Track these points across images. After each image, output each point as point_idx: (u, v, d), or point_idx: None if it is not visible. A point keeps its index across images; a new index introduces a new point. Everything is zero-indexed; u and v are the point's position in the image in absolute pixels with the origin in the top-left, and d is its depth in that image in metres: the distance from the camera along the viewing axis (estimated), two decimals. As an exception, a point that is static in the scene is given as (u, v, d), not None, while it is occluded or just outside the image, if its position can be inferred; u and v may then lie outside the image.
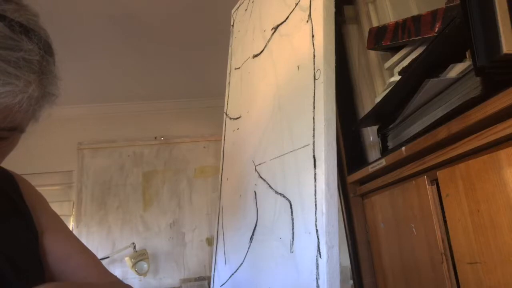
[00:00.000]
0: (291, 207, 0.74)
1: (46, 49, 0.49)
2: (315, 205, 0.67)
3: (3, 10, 0.45)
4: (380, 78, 1.20)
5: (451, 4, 0.88)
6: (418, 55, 0.93)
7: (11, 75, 0.43)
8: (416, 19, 0.95)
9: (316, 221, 0.66)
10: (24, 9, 0.48)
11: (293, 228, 0.72)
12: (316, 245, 0.64)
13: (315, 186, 0.68)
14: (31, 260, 0.61)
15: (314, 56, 0.75)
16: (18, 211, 0.63)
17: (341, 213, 1.30)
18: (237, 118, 1.09)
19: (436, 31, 0.89)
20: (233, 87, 1.18)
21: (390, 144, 1.04)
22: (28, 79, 0.45)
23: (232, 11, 1.31)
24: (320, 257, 0.63)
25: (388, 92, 0.98)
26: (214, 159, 2.87)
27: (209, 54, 2.27)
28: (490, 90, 0.64)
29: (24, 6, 0.49)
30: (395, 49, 1.06)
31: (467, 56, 0.74)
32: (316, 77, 0.73)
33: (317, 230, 0.65)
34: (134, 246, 2.52)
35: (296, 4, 0.87)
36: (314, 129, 0.71)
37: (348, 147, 1.32)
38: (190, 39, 2.14)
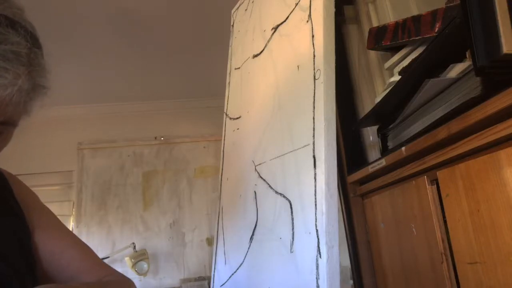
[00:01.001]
0: (291, 207, 0.74)
1: (33, 42, 0.49)
2: (315, 205, 0.67)
3: None
4: (380, 78, 1.20)
5: (451, 4, 0.88)
6: (418, 55, 0.93)
7: (0, 68, 0.43)
8: (416, 19, 0.95)
9: (316, 221, 0.66)
10: (8, 2, 0.48)
11: (293, 228, 0.72)
12: (316, 245, 0.64)
13: (315, 186, 0.68)
14: (24, 258, 0.60)
15: (314, 56, 0.75)
16: (9, 209, 0.62)
17: (341, 213, 1.30)
18: (237, 118, 1.09)
19: (436, 31, 0.89)
20: (233, 87, 1.18)
21: (390, 144, 1.04)
22: (17, 71, 0.45)
23: (232, 11, 1.31)
24: (320, 257, 0.63)
25: (388, 92, 0.98)
26: (214, 159, 2.87)
27: (209, 54, 2.27)
28: (490, 90, 0.64)
29: (8, 0, 0.49)
30: (395, 49, 1.06)
31: (467, 56, 0.74)
32: (316, 77, 0.73)
33: (317, 230, 0.65)
34: (134, 246, 2.51)
35: (296, 4, 0.87)
36: (314, 129, 0.71)
37: (348, 147, 1.32)
38: (190, 39, 2.14)
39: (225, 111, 1.20)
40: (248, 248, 0.88)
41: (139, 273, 2.43)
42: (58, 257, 0.65)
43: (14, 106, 0.46)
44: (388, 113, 1.02)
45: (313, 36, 0.77)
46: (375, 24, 1.18)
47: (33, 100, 0.50)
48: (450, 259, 0.80)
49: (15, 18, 0.47)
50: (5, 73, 0.43)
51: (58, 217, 0.72)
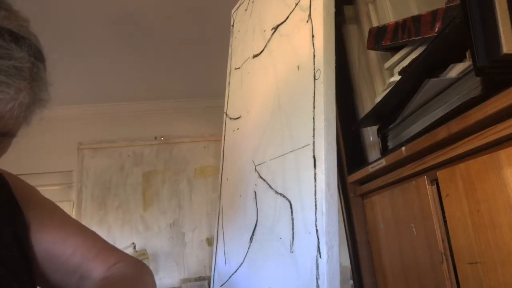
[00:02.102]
0: (291, 207, 0.74)
1: (37, 56, 0.49)
2: (315, 205, 0.67)
3: None
4: (380, 78, 1.20)
5: (451, 4, 0.88)
6: (418, 55, 0.93)
7: (1, 83, 0.43)
8: (416, 19, 0.95)
9: (316, 221, 0.66)
10: (14, 15, 0.48)
11: (293, 228, 0.72)
12: (316, 245, 0.64)
13: (315, 186, 0.68)
14: (23, 259, 0.60)
15: (314, 56, 0.75)
16: (8, 207, 0.62)
17: (341, 213, 1.30)
18: (237, 118, 1.09)
19: (436, 31, 0.89)
20: (233, 87, 1.18)
21: (390, 144, 1.04)
22: (19, 86, 0.45)
23: (232, 11, 1.31)
24: (320, 257, 0.63)
25: (388, 92, 0.98)
26: (214, 159, 2.87)
27: (209, 54, 2.27)
28: (490, 90, 0.64)
29: (15, 12, 0.49)
30: (395, 49, 1.06)
31: (467, 56, 0.74)
32: (316, 77, 0.73)
33: (317, 230, 0.65)
34: (134, 246, 2.52)
35: (296, 4, 0.87)
36: (314, 129, 0.71)
37: (348, 147, 1.32)
38: (190, 39, 2.14)
39: (225, 111, 1.20)
40: (248, 248, 0.88)
41: (139, 273, 2.43)
42: (61, 246, 0.64)
43: (14, 120, 0.47)
44: (388, 113, 1.02)
45: (313, 36, 0.77)
46: (375, 24, 1.18)
47: (33, 113, 0.50)
48: (450, 259, 0.80)
49: (19, 32, 0.47)
50: (7, 88, 0.44)
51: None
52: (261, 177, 0.88)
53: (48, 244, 0.63)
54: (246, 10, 1.19)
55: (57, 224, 0.66)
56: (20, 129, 0.51)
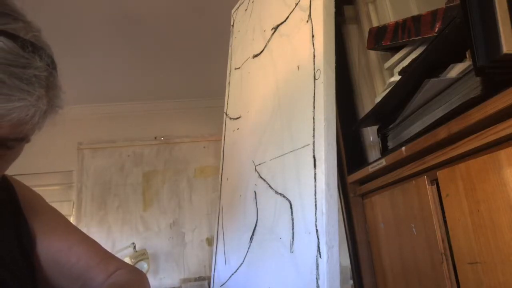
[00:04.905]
0: (291, 207, 0.74)
1: (52, 65, 0.52)
2: (315, 205, 0.67)
3: (14, 30, 0.47)
4: (380, 78, 1.20)
5: (451, 4, 0.88)
6: (418, 55, 0.93)
7: (24, 91, 0.46)
8: (416, 19, 0.95)
9: (316, 221, 0.66)
10: (29, 26, 0.51)
11: (293, 228, 0.72)
12: (316, 245, 0.64)
13: (315, 186, 0.68)
14: (26, 264, 0.61)
15: (314, 56, 0.75)
16: (13, 214, 0.63)
17: (341, 213, 1.30)
18: (237, 118, 1.09)
19: (436, 31, 0.89)
20: (233, 87, 1.18)
21: (390, 144, 1.04)
22: (39, 94, 0.48)
23: (232, 11, 1.31)
24: (320, 257, 0.63)
25: (388, 92, 0.98)
26: (214, 159, 2.87)
27: (209, 54, 2.27)
28: (490, 90, 0.64)
29: (29, 22, 0.51)
30: (395, 49, 1.06)
31: (467, 56, 0.74)
32: (316, 77, 0.73)
33: (317, 230, 0.65)
34: (134, 246, 2.51)
35: (296, 4, 0.87)
36: (314, 129, 0.71)
37: (348, 147, 1.32)
38: (190, 39, 2.14)
39: (225, 111, 1.20)
40: (248, 248, 0.88)
41: (139, 273, 2.43)
42: (66, 254, 0.66)
43: (32, 126, 0.50)
44: (388, 113, 1.02)
45: (313, 36, 0.77)
46: (375, 24, 1.18)
47: (47, 118, 0.53)
48: (450, 259, 0.80)
49: (37, 43, 0.50)
50: (28, 96, 0.47)
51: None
52: (261, 177, 0.88)
53: (54, 252, 0.65)
54: (246, 10, 1.19)
55: (62, 233, 0.69)
56: (33, 134, 0.54)
